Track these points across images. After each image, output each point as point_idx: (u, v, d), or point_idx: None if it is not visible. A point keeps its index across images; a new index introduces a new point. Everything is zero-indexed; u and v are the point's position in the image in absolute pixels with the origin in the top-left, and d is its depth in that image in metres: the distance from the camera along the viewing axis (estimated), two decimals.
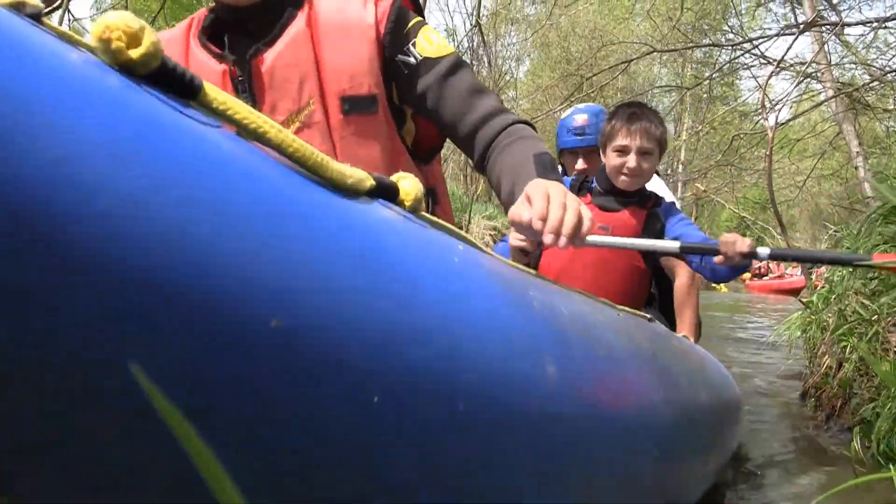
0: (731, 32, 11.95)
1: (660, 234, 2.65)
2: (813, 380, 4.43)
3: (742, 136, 11.61)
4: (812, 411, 4.14)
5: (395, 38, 1.59)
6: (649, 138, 2.61)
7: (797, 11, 9.28)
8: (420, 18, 1.63)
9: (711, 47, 11.90)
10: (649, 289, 2.77)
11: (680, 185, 25.05)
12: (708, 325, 9.06)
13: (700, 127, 19.08)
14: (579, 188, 2.79)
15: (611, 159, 2.65)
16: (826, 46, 8.65)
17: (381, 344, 0.56)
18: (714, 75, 11.82)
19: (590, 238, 2.29)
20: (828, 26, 8.15)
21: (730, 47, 10.38)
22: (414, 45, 1.59)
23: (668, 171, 27.15)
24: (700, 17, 15.12)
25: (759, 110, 8.74)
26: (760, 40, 9.22)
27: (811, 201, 23.11)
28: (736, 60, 10.30)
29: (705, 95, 21.21)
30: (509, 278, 0.87)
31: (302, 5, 1.57)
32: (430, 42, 1.60)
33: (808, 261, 2.34)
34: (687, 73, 23.95)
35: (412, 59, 1.58)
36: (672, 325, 3.02)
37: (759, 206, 23.79)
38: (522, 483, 0.76)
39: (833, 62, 9.41)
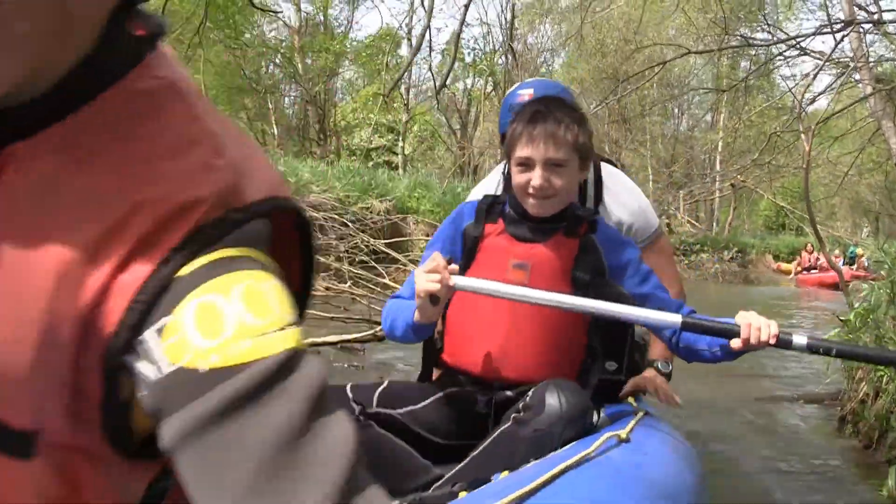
0: (767, 23, 11.78)
1: (598, 273, 2.02)
2: (851, 405, 4.41)
3: (780, 133, 11.48)
4: (848, 440, 4.13)
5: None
6: (558, 145, 1.95)
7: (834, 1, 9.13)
8: (228, 256, 0.61)
9: (747, 46, 11.73)
10: (587, 338, 2.12)
11: (718, 176, 24.84)
12: None
13: (737, 123, 18.80)
14: (487, 212, 2.11)
15: (514, 175, 2.02)
16: (864, 41, 8.51)
17: None
18: (750, 75, 11.68)
19: (528, 293, 1.82)
20: (868, 22, 8.02)
21: (765, 46, 10.25)
22: (160, 332, 0.59)
23: (706, 162, 26.93)
24: (735, 10, 14.92)
25: (795, 112, 8.66)
26: (798, 38, 9.10)
27: (851, 190, 22.81)
28: (776, 57, 10.19)
29: (742, 86, 20.97)
30: None
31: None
32: (212, 328, 0.58)
33: (858, 359, 1.88)
34: (723, 63, 23.68)
35: (147, 372, 0.59)
36: (633, 373, 2.47)
37: (798, 196, 23.48)
38: None
39: (872, 56, 9.26)
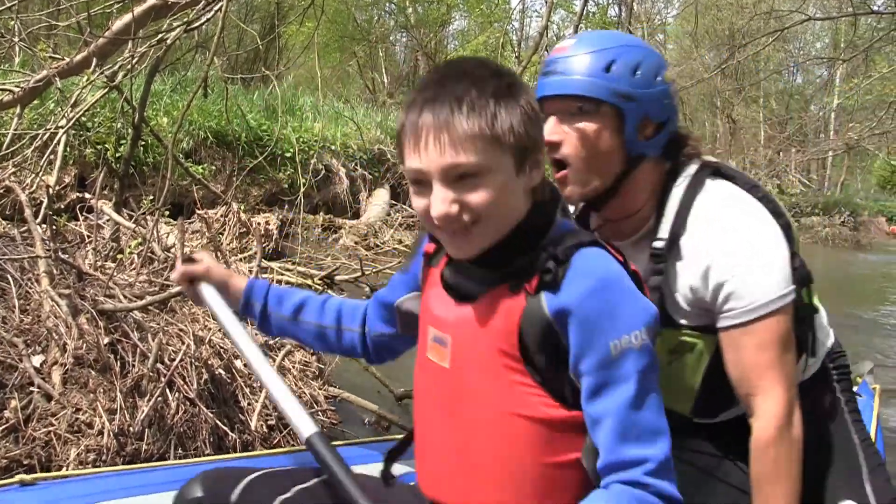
0: None
1: (558, 357, 1.23)
2: None
3: None
4: None
5: None
6: (459, 144, 1.17)
7: None
8: None
9: (869, 14, 11.61)
10: (581, 483, 1.25)
11: (832, 132, 24.38)
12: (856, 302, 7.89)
13: (856, 83, 18.42)
14: (438, 249, 1.42)
15: (412, 196, 1.28)
16: None
17: None
18: (873, 44, 11.58)
19: (250, 355, 1.52)
20: None
21: (891, 14, 10.22)
22: None
23: (821, 120, 26.35)
24: None
25: None
26: None
27: None
28: None
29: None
30: None
31: None
32: None
33: None
34: (842, 21, 23.01)
35: None
36: None
37: None
38: None
39: None
